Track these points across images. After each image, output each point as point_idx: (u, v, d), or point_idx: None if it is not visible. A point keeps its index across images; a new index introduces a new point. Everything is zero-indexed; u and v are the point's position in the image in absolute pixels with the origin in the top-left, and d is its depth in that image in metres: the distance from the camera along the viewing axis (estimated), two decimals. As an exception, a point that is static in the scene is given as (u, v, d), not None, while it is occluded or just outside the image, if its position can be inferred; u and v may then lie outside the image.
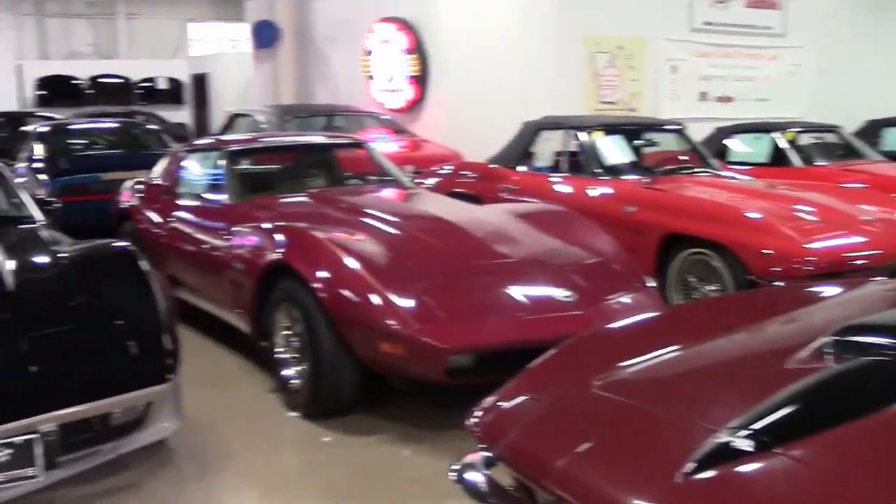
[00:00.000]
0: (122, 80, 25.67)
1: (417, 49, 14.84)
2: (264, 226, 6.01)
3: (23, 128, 13.75)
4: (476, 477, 2.72)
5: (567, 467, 2.40)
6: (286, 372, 5.58)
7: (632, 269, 5.89)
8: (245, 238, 6.11)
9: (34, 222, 6.07)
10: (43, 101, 24.09)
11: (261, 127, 12.31)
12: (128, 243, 5.23)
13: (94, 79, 25.31)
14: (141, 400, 4.33)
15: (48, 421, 3.97)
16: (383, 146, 10.07)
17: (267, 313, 5.71)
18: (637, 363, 2.88)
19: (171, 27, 28.51)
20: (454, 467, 2.77)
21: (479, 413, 2.90)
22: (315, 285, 5.19)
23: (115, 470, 4.60)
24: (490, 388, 3.05)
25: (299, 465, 5.08)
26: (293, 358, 5.52)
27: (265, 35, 17.59)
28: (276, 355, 5.67)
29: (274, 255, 5.62)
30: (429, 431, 5.17)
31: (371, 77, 15.84)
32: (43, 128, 12.95)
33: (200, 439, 5.15)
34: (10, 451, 3.90)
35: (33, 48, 27.38)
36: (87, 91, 25.00)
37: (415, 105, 15.08)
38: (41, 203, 6.53)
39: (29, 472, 3.96)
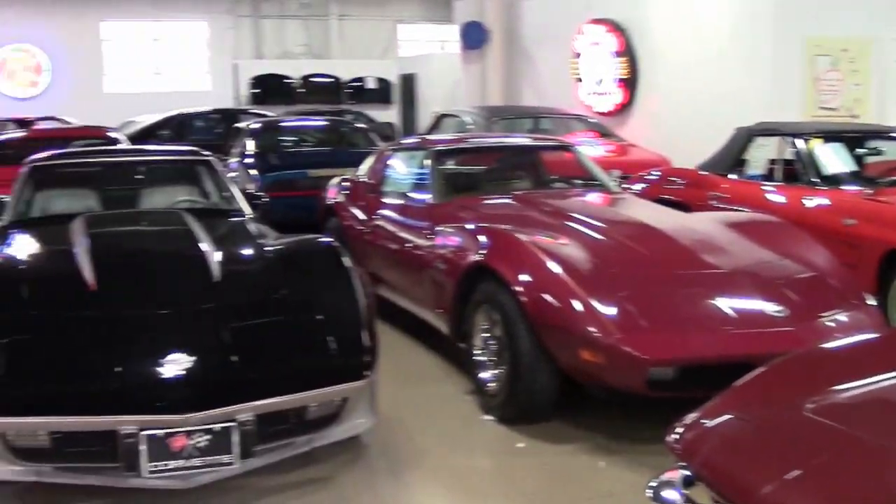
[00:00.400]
0: (332, 80, 26.31)
1: (627, 51, 14.61)
2: (467, 226, 5.98)
3: (236, 124, 14.22)
4: (673, 495, 2.57)
5: (774, 495, 2.26)
6: (483, 375, 5.52)
7: (850, 284, 5.51)
8: (448, 238, 6.09)
9: (243, 216, 6.27)
10: (256, 99, 24.94)
11: (467, 128, 12.35)
12: (331, 239, 5.30)
13: (305, 78, 26.04)
14: (337, 395, 4.36)
15: (246, 411, 4.04)
16: (590, 150, 9.88)
17: (467, 314, 5.66)
18: (855, 387, 2.69)
19: (381, 28, 29.10)
20: (651, 484, 2.63)
21: (681, 429, 2.77)
22: (516, 288, 5.10)
23: (309, 462, 4.65)
24: (692, 403, 2.90)
25: (491, 470, 5.00)
26: (491, 361, 5.45)
27: (474, 36, 17.70)
28: (473, 357, 5.62)
29: (476, 257, 5.58)
30: (626, 444, 5.01)
31: (579, 79, 15.70)
32: (255, 125, 13.35)
33: (394, 436, 5.15)
34: (208, 437, 3.99)
35: (249, 48, 28.47)
36: (298, 90, 25.74)
37: (623, 109, 14.85)
38: (250, 197, 6.73)
39: (225, 458, 4.05)
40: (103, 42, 28.66)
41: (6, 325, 4.24)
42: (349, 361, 4.40)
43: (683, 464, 2.63)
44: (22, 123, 19.85)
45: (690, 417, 2.81)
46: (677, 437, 2.74)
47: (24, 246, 5.39)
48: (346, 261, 4.93)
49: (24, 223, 6.05)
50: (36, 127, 18.22)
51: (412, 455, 4.97)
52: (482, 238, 5.67)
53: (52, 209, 6.46)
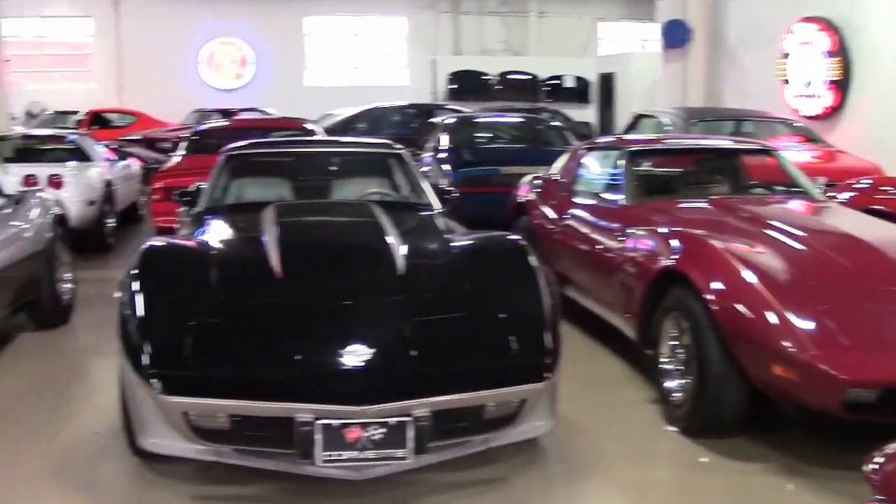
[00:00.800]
0: (529, 77, 26.34)
1: (841, 51, 13.99)
2: (660, 230, 5.80)
3: (431, 119, 14.33)
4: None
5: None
6: (669, 384, 5.33)
7: None
8: (639, 241, 5.93)
9: (432, 210, 6.28)
10: (453, 95, 25.21)
11: (665, 129, 12.06)
12: (519, 237, 5.21)
13: (502, 75, 26.15)
14: (516, 396, 4.27)
15: (423, 406, 4.00)
16: (794, 155, 9.46)
17: (655, 321, 5.49)
18: None
19: (580, 26, 28.93)
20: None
21: (881, 459, 2.58)
22: (707, 296, 4.90)
23: (483, 462, 4.59)
24: (893, 430, 2.67)
25: (671, 483, 4.79)
26: (677, 370, 5.26)
27: (676, 35, 17.31)
28: (659, 365, 5.44)
29: (667, 262, 5.40)
30: (817, 467, 4.72)
31: (786, 81, 15.13)
32: (450, 119, 13.44)
33: (572, 441, 5.03)
34: (383, 430, 3.97)
35: (448, 44, 28.84)
36: (495, 87, 25.84)
37: (832, 112, 14.22)
38: (441, 192, 6.74)
39: (399, 453, 4.02)
40: (305, 36, 29.58)
41: (195, 307, 4.34)
42: (530, 362, 4.30)
43: (882, 497, 2.45)
44: (225, 114, 20.65)
45: (893, 447, 2.62)
46: (876, 467, 2.56)
47: (216, 232, 5.52)
48: (533, 259, 4.84)
49: (218, 209, 6.22)
50: (237, 117, 18.89)
51: (590, 462, 4.84)
52: (675, 242, 5.48)
53: (246, 197, 6.63)
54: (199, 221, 5.97)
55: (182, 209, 7.11)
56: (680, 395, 5.20)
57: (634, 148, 7.27)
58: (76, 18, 28.74)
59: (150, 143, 18.24)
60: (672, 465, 4.97)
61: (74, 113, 23.78)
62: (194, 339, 4.15)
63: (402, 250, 4.90)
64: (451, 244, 5.20)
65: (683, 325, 5.14)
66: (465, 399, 4.12)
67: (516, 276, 4.74)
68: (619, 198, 6.77)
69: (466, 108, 18.12)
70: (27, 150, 12.12)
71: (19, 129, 17.06)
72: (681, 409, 5.17)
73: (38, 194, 7.81)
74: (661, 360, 5.43)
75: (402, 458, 4.03)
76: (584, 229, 7.00)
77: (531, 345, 4.34)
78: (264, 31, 28.42)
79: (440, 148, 12.05)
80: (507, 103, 22.96)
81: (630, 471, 4.77)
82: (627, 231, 6.18)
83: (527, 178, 8.76)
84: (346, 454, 3.97)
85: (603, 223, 6.75)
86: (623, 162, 7.00)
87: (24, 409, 5.68)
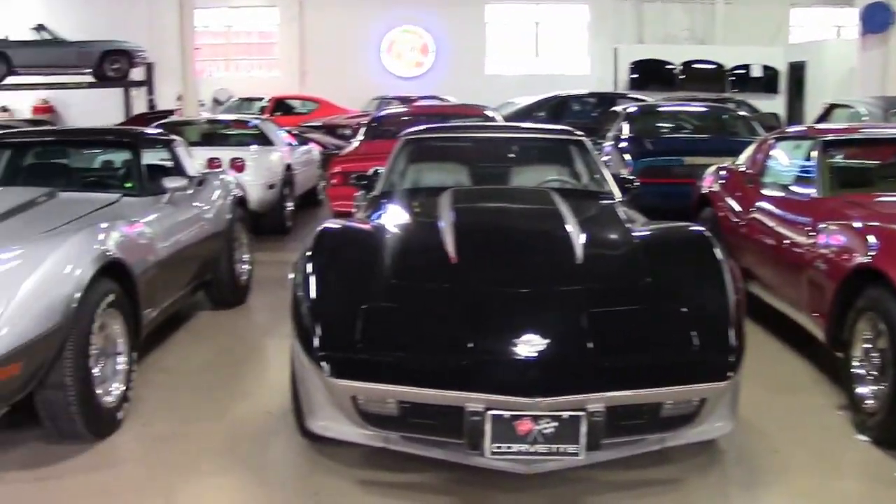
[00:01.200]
0: (714, 66, 25.60)
1: None
2: (855, 225, 5.44)
3: (613, 108, 14.10)
4: None
5: None
6: (861, 389, 4.99)
7: None
8: (831, 236, 5.59)
9: (612, 199, 6.10)
10: (634, 84, 24.75)
11: (861, 119, 11.45)
12: (703, 228, 4.97)
13: (686, 64, 25.49)
14: (697, 395, 4.04)
15: (597, 401, 3.83)
16: None
17: (847, 321, 5.15)
18: None
19: (771, 13, 27.93)
20: None
21: None
22: (907, 298, 4.55)
23: (657, 461, 4.42)
24: None
25: (859, 497, 4.44)
26: (871, 375, 4.92)
27: (877, 18, 16.38)
28: (851, 369, 5.10)
29: (863, 258, 5.05)
30: None
31: None
32: (632, 108, 13.18)
33: (752, 445, 4.78)
34: (556, 424, 3.83)
35: (630, 32, 28.34)
36: (678, 76, 25.24)
37: None
38: (621, 181, 6.56)
39: (570, 448, 3.87)
40: (486, 25, 29.56)
41: (367, 290, 4.29)
42: (712, 360, 4.07)
43: None
44: (405, 101, 20.86)
45: None
46: None
47: (392, 215, 5.48)
48: (719, 252, 4.61)
49: (394, 194, 6.20)
50: (416, 104, 19.05)
51: (770, 468, 4.55)
52: (871, 238, 5.12)
53: (423, 182, 6.61)
54: (375, 205, 5.97)
55: (359, 193, 7.14)
56: (873, 402, 4.86)
57: (829, 137, 6.85)
58: (262, 8, 29.56)
59: (330, 129, 18.58)
60: (862, 477, 4.63)
61: (259, 99, 24.52)
62: (366, 323, 4.10)
63: (581, 239, 4.75)
64: (633, 234, 5.01)
65: (879, 328, 4.80)
66: (642, 396, 3.93)
67: (700, 269, 4.52)
68: (811, 190, 6.40)
69: (649, 98, 17.72)
70: (212, 135, 12.56)
71: (205, 115, 17.66)
72: (874, 418, 4.82)
73: (220, 176, 7.98)
74: (853, 363, 5.09)
75: (574, 454, 3.88)
76: (772, 223, 6.68)
77: (714, 341, 4.11)
78: (445, 19, 28.55)
79: (621, 137, 11.81)
80: (691, 93, 22.39)
81: (814, 481, 4.48)
82: (819, 226, 5.84)
83: (711, 169, 8.46)
84: (515, 447, 3.84)
85: (792, 217, 6.41)
86: (816, 152, 6.60)
87: (199, 386, 5.80)
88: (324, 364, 3.99)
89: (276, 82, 28.06)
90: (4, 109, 27.32)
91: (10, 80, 21.78)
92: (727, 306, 4.28)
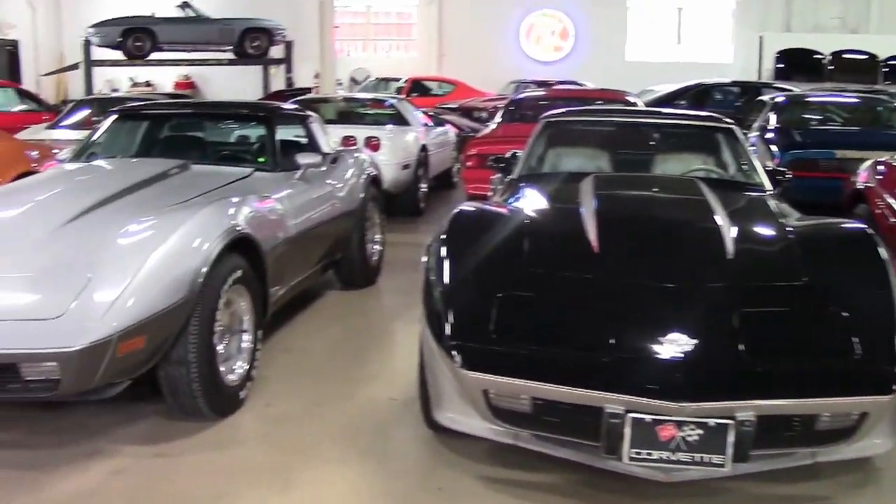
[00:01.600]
0: (866, 57, 24.48)
1: None
2: None
3: (759, 97, 13.56)
4: None
5: None
6: None
7: None
8: None
9: (763, 191, 5.75)
10: (780, 74, 23.86)
11: None
12: (865, 225, 4.59)
13: (835, 54, 24.46)
14: (857, 408, 3.68)
15: (748, 409, 3.53)
16: None
17: None
18: None
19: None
20: None
21: None
22: None
23: (807, 477, 4.09)
24: None
25: None
26: None
27: None
28: None
29: None
30: None
31: None
32: (779, 98, 12.64)
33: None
34: (701, 431, 3.55)
35: (777, 20, 27.37)
36: (827, 66, 24.27)
37: None
38: (772, 173, 6.19)
39: (716, 458, 3.58)
40: (628, 10, 29.05)
41: (503, 278, 4.08)
42: (877, 370, 3.70)
43: None
44: (542, 85, 20.60)
45: None
46: None
47: (530, 200, 5.24)
48: (883, 252, 4.23)
49: (533, 178, 5.98)
50: (555, 88, 18.80)
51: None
52: None
53: (562, 166, 6.36)
54: (512, 189, 5.74)
55: (496, 176, 6.94)
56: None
57: None
58: (402, -11, 29.64)
59: (466, 111, 18.43)
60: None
61: (396, 80, 24.54)
62: (501, 312, 3.88)
63: (731, 232, 4.43)
64: (786, 229, 4.64)
65: None
66: (797, 406, 3.61)
67: (863, 270, 4.16)
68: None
69: (795, 89, 17.05)
70: (349, 113, 12.53)
71: (342, 93, 17.72)
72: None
73: (354, 154, 7.86)
74: None
75: (719, 465, 3.59)
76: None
77: (879, 350, 3.75)
78: (587, 3, 28.11)
79: (768, 127, 11.29)
80: (839, 85, 21.47)
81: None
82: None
83: (868, 163, 7.97)
84: (655, 453, 3.58)
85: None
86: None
87: (325, 368, 5.69)
88: (455, 354, 3.77)
89: (414, 63, 28.09)
90: (148, 84, 28.03)
91: (154, 55, 22.28)
92: (893, 311, 3.91)
